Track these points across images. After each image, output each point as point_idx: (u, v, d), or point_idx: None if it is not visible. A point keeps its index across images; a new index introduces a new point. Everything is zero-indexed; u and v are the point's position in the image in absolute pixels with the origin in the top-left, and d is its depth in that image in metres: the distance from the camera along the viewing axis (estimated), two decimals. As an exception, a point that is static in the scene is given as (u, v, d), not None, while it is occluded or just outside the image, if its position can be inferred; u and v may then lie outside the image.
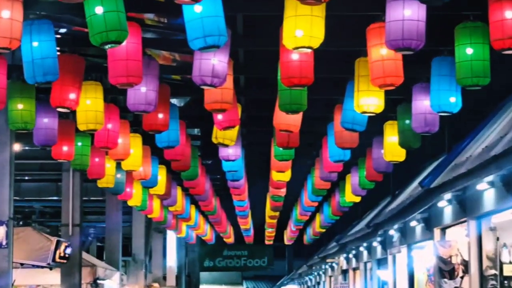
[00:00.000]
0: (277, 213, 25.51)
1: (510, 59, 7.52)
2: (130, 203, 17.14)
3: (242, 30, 10.56)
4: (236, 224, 31.50)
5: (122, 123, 11.24)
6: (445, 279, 14.11)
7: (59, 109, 9.23)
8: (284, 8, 6.98)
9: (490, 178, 11.01)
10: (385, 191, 19.87)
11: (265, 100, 12.32)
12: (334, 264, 29.04)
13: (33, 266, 17.86)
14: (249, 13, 10.15)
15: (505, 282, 12.07)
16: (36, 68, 7.76)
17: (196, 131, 16.21)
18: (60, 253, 17.24)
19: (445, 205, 13.64)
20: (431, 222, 15.15)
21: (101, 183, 13.67)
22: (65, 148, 10.98)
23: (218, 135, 11.42)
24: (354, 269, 25.41)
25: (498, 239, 12.30)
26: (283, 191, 19.51)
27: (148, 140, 12.58)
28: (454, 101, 8.60)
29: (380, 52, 7.86)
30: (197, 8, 6.84)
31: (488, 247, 12.56)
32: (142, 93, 8.92)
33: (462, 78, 7.77)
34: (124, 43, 7.27)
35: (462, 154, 12.79)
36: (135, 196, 16.20)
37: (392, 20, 6.97)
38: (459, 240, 14.07)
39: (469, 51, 7.63)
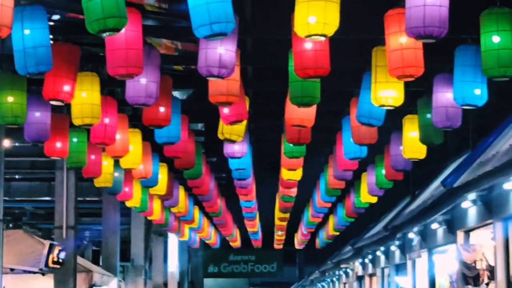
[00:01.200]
0: (287, 215, 25.54)
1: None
2: (128, 204, 17.15)
3: (250, 16, 10.59)
4: (243, 226, 31.55)
5: (120, 117, 11.24)
6: (469, 286, 14.12)
7: (53, 102, 9.24)
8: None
9: (517, 177, 11.02)
10: (404, 191, 19.90)
11: (274, 92, 12.33)
12: (348, 270, 29.13)
13: (24, 271, 17.95)
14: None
15: (534, 289, 12.07)
16: (27, 58, 7.77)
17: (200, 126, 16.27)
18: (53, 258, 17.30)
19: (469, 206, 13.65)
20: (454, 224, 15.17)
21: (97, 182, 13.67)
22: (58, 145, 10.98)
23: (224, 130, 11.43)
24: (371, 275, 25.48)
25: (527, 242, 12.32)
26: (293, 191, 19.54)
27: (149, 135, 12.58)
28: (479, 94, 8.55)
29: (399, 41, 7.83)
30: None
31: (517, 251, 12.57)
32: (142, 85, 8.91)
33: (488, 68, 7.73)
34: (123, 31, 7.27)
35: (488, 151, 12.79)
36: (134, 196, 16.22)
37: (412, 6, 6.93)
38: (484, 244, 14.09)
39: (496, 39, 7.61)
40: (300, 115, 10.71)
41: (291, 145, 12.36)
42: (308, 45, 8.00)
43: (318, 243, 32.84)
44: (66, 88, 8.81)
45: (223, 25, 7.10)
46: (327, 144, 15.53)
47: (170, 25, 11.25)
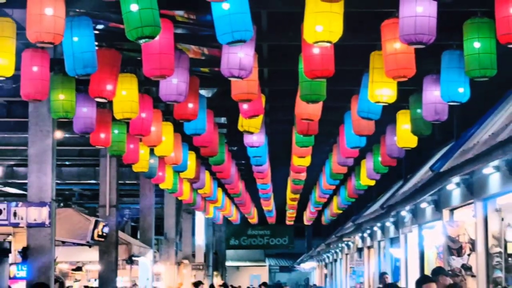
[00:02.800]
0: (297, 196, 25.48)
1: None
2: (162, 186, 17.20)
3: (266, 25, 10.57)
4: (259, 205, 31.51)
5: (155, 112, 11.28)
6: (453, 257, 14.08)
7: (97, 99, 9.30)
8: (305, 5, 6.97)
9: (495, 163, 10.97)
10: (398, 175, 19.84)
11: (287, 91, 12.31)
12: (350, 243, 29.02)
13: (74, 244, 17.98)
14: (273, 10, 10.16)
15: (509, 259, 12.03)
16: (76, 62, 7.81)
17: (223, 120, 16.22)
18: (98, 232, 17.34)
19: (454, 188, 13.61)
20: (440, 203, 15.11)
21: (135, 168, 13.74)
22: (102, 135, 11.03)
23: (243, 123, 11.46)
24: (369, 247, 25.40)
25: (503, 219, 12.26)
26: (303, 175, 19.51)
27: (179, 128, 12.59)
28: (462, 92, 8.59)
29: (394, 46, 7.86)
30: (225, 5, 6.87)
31: (494, 227, 12.52)
32: (174, 84, 8.94)
33: (470, 70, 7.77)
34: (157, 38, 7.28)
35: (470, 140, 12.74)
36: (167, 179, 16.25)
37: (405, 16, 6.96)
38: (466, 221, 14.04)
39: (477, 45, 7.63)
40: (308, 110, 10.70)
41: (301, 136, 12.38)
42: (315, 50, 8.01)
43: (324, 219, 32.76)
44: (109, 87, 8.85)
45: (242, 33, 7.13)
46: (331, 135, 15.54)
47: (198, 33, 11.21)
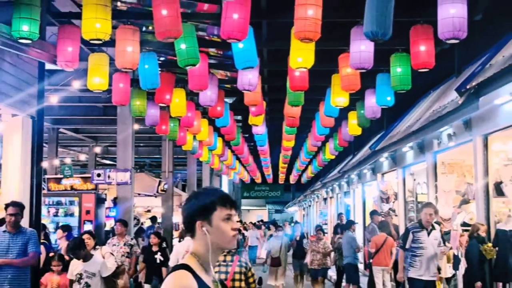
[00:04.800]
0: (286, 165, 25.49)
1: (422, 74, 7.48)
2: (201, 159, 17.27)
3: (267, 57, 10.57)
4: (262, 171, 31.53)
5: (196, 112, 11.32)
6: (383, 203, 14.16)
7: (160, 104, 9.33)
8: (291, 45, 6.91)
9: (410, 144, 11.00)
10: (349, 152, 19.83)
11: (280, 99, 12.28)
12: (319, 195, 29.12)
13: (145, 195, 18.13)
14: (272, 48, 10.14)
15: (418, 204, 12.06)
16: (146, 81, 7.81)
17: (239, 117, 16.23)
18: (160, 188, 17.47)
19: (384, 160, 13.67)
20: (375, 170, 15.17)
21: (184, 147, 13.79)
22: (163, 127, 11.07)
23: (251, 119, 11.49)
24: (331, 198, 25.47)
25: (414, 180, 12.30)
26: (289, 152, 19.55)
27: (212, 122, 12.63)
28: (389, 99, 8.54)
29: (347, 71, 7.83)
30: (240, 45, 6.85)
31: (409, 185, 12.57)
32: (208, 95, 8.95)
33: (394, 85, 7.73)
34: (197, 66, 7.26)
35: (394, 130, 12.78)
36: (204, 155, 16.28)
37: (353, 52, 6.90)
38: (392, 181, 14.10)
39: (399, 70, 7.58)
40: (293, 111, 10.63)
41: (288, 128, 12.25)
42: (297, 73, 8.00)
43: (303, 180, 32.69)
44: (167, 96, 8.87)
45: (251, 62, 7.13)
46: (307, 127, 15.05)
47: (223, 63, 11.21)
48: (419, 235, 7.19)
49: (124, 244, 8.66)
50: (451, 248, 8.47)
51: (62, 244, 8.73)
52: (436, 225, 7.53)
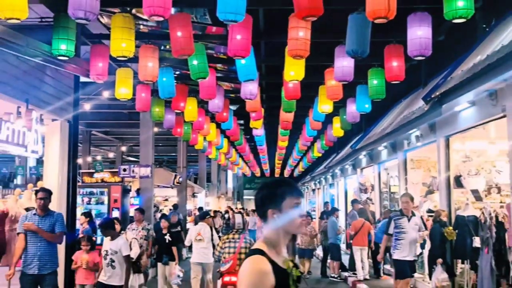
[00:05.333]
0: (281, 162, 25.57)
1: (394, 85, 7.46)
2: (210, 156, 17.24)
3: (265, 71, 10.54)
4: (261, 166, 31.49)
5: (206, 117, 11.29)
6: (362, 193, 14.15)
7: (176, 111, 9.30)
8: (285, 61, 6.87)
9: (384, 144, 11.00)
10: (333, 150, 19.84)
11: (276, 106, 12.26)
12: (308, 186, 29.12)
13: (163, 187, 18.13)
14: (269, 63, 10.13)
15: (391, 194, 12.07)
16: (164, 91, 7.79)
17: (242, 121, 16.24)
18: (176, 181, 17.45)
19: (363, 157, 13.66)
20: (356, 165, 15.16)
21: (196, 147, 13.76)
22: (178, 130, 11.03)
23: (252, 123, 11.48)
24: (318, 189, 25.48)
25: (388, 173, 12.30)
26: (283, 151, 19.55)
27: (219, 125, 12.60)
28: (367, 107, 8.51)
29: (331, 83, 7.78)
30: (243, 61, 6.82)
31: (383, 178, 12.58)
32: (216, 103, 8.93)
33: (372, 95, 7.68)
34: (207, 79, 7.26)
35: (371, 132, 12.78)
36: (212, 153, 16.26)
37: (337, 67, 6.86)
38: (369, 174, 14.09)
39: (375, 82, 7.54)
40: (287, 117, 10.69)
41: (283, 130, 12.27)
42: (290, 84, 7.96)
43: (295, 174, 32.71)
44: (182, 104, 8.84)
45: (252, 75, 7.10)
46: (298, 130, 14.87)
47: (228, 76, 11.21)
48: (400, 222, 7.09)
49: (142, 229, 8.66)
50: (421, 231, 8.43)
51: (84, 227, 8.75)
52: (416, 212, 7.43)
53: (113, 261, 5.97)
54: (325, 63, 8.06)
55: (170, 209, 16.15)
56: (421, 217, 7.65)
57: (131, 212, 13.89)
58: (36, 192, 6.01)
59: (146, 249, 8.40)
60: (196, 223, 9.52)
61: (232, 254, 6.72)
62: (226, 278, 6.56)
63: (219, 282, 6.78)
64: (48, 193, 5.85)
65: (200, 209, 17.34)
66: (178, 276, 8.35)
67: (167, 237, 8.62)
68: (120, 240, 6.08)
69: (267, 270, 2.00)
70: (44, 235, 5.65)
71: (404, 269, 6.99)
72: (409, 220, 7.13)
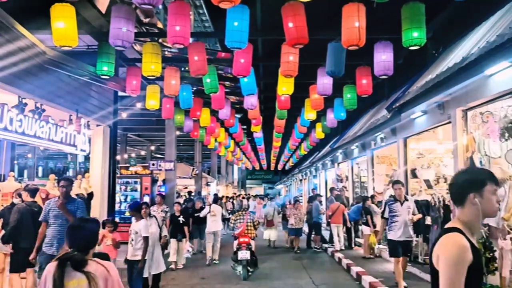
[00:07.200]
0: (275, 158, 25.47)
1: (364, 98, 7.43)
2: (220, 154, 17.18)
3: (263, 87, 10.50)
4: (259, 162, 31.38)
5: (217, 123, 11.24)
6: (339, 183, 14.11)
7: (193, 118, 9.26)
8: (278, 79, 6.80)
9: (356, 144, 10.97)
10: (316, 149, 19.80)
11: (271, 114, 12.22)
12: (296, 177, 29.05)
13: (184, 177, 18.07)
14: (267, 81, 10.07)
15: (362, 183, 12.04)
16: (184, 103, 7.76)
17: (245, 126, 16.20)
18: (193, 173, 17.41)
19: (339, 154, 13.60)
20: (334, 161, 15.11)
21: (209, 146, 13.71)
22: (195, 133, 10.99)
23: (253, 128, 11.43)
24: (304, 179, 25.40)
25: (359, 167, 12.27)
26: (277, 150, 19.47)
27: (227, 129, 12.55)
28: (343, 115, 8.47)
29: (314, 96, 7.72)
30: (245, 79, 6.82)
31: (355, 170, 12.53)
32: (224, 112, 8.91)
33: (346, 106, 7.64)
34: (218, 93, 7.22)
35: (346, 134, 12.75)
36: (221, 151, 16.18)
37: (319, 84, 6.80)
38: (344, 168, 14.04)
39: (349, 95, 7.52)
40: (279, 123, 10.64)
41: (277, 133, 12.25)
42: (282, 98, 7.90)
43: (287, 167, 32.65)
44: (198, 113, 8.83)
45: (252, 90, 7.07)
46: (288, 134, 14.74)
47: (235, 91, 11.17)
48: (393, 206, 6.41)
49: (162, 211, 8.61)
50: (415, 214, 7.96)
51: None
52: (409, 197, 6.61)
53: (132, 240, 5.81)
54: (309, 81, 8.05)
55: (185, 195, 15.98)
56: (415, 201, 6.76)
57: (159, 197, 13.92)
58: (58, 181, 5.30)
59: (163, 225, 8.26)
60: (210, 205, 9.56)
61: (242, 223, 8.06)
62: (241, 239, 7.76)
63: (235, 242, 7.87)
64: (69, 181, 5.18)
65: (215, 195, 17.39)
66: (188, 251, 8.44)
67: (181, 218, 8.55)
68: (142, 222, 5.94)
69: (467, 246, 1.78)
70: (70, 218, 4.97)
71: (396, 249, 6.46)
72: (401, 204, 6.43)
